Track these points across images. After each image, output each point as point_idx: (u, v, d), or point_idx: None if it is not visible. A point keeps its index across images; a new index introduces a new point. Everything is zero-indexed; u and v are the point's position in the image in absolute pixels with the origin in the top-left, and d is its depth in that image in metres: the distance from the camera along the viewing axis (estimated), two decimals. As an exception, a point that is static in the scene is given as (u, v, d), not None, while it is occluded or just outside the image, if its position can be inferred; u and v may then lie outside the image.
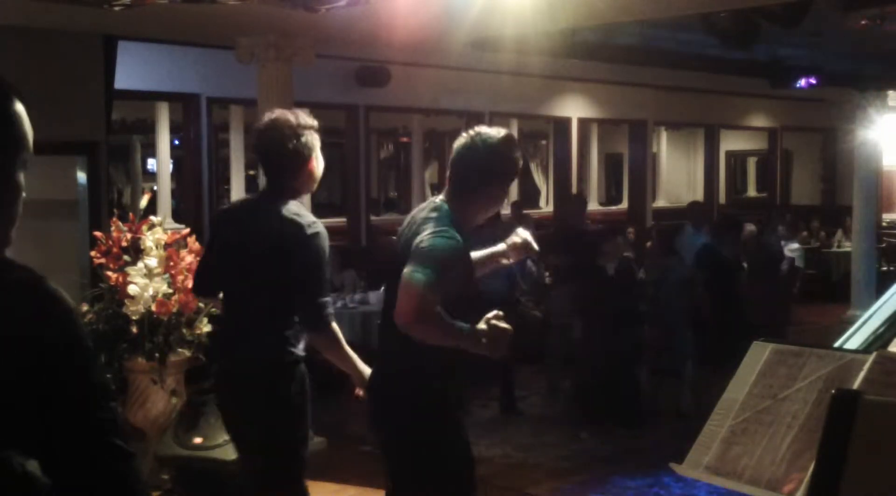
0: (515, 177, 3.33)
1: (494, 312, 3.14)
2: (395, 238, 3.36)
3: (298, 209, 3.53)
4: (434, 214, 3.15)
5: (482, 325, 3.11)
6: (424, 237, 3.04)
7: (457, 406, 3.52)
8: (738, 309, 8.01)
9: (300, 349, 3.53)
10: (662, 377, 7.76)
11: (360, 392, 3.51)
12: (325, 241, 3.47)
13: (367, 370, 3.48)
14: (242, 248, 3.56)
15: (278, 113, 3.58)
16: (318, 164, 3.60)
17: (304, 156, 3.52)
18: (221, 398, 3.74)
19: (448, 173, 3.28)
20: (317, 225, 3.47)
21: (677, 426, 6.86)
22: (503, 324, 3.12)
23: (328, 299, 3.49)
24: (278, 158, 3.54)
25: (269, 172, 3.62)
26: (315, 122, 3.59)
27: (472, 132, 3.24)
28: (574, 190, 13.16)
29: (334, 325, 3.50)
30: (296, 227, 3.44)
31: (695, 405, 7.24)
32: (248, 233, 3.56)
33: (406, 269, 2.97)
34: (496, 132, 3.24)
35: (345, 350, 3.52)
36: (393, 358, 3.24)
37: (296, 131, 3.49)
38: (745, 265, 8.74)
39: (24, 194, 1.62)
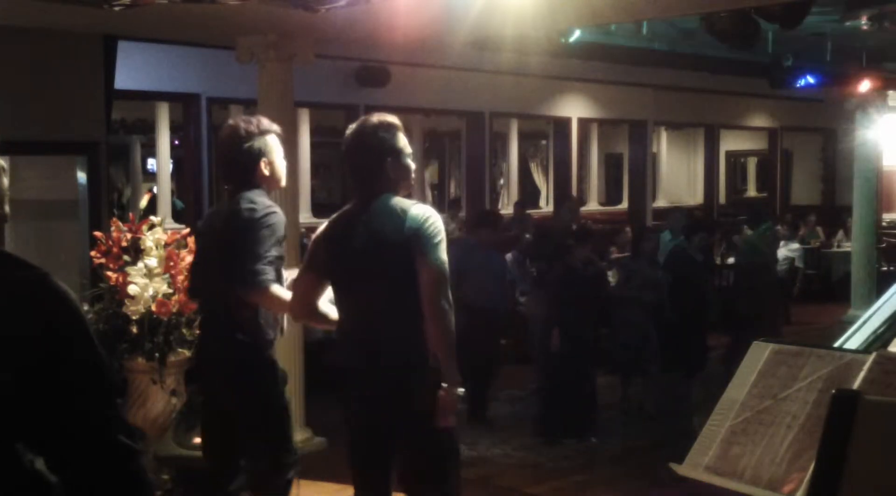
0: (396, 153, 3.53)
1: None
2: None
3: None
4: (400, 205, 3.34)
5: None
6: (424, 227, 3.23)
7: None
8: (705, 311, 8.08)
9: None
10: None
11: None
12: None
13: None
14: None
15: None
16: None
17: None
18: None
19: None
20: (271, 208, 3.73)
21: (677, 426, 6.85)
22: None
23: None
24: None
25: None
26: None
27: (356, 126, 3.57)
28: (574, 190, 13.16)
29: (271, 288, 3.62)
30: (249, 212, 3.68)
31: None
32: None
33: (428, 257, 3.19)
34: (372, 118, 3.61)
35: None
36: (403, 351, 3.28)
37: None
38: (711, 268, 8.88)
39: (4, 171, 1.66)
